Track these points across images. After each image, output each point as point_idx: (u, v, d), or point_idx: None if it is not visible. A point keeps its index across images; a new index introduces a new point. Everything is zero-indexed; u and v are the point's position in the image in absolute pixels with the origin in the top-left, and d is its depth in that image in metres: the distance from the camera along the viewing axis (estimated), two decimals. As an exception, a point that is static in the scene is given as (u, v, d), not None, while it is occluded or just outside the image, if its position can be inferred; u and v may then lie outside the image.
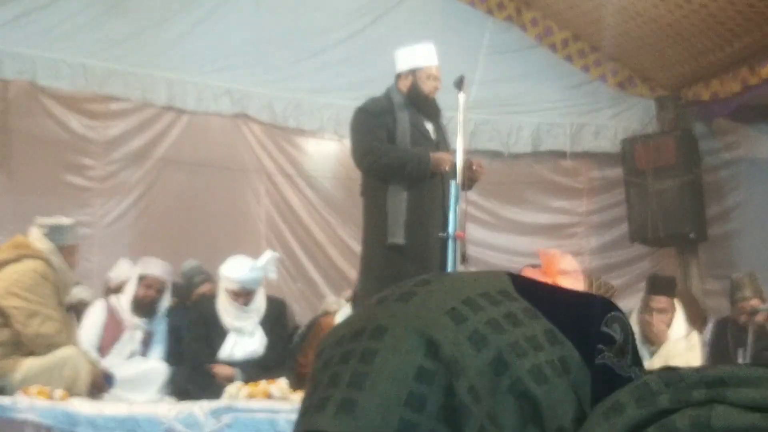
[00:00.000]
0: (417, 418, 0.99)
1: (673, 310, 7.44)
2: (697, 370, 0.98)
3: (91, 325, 7.33)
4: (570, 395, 1.02)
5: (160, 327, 7.55)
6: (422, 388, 0.99)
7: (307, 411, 1.04)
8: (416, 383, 0.99)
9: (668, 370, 1.00)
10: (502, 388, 1.00)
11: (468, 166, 6.18)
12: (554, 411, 1.00)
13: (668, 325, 7.39)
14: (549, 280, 6.80)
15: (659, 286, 7.52)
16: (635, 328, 7.41)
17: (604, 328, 1.07)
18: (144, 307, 7.42)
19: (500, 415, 0.99)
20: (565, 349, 1.03)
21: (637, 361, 1.10)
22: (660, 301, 7.38)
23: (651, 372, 1.05)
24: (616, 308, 1.09)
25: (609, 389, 1.01)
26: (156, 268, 7.56)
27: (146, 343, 7.44)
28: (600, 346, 1.06)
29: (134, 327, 7.40)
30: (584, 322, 1.07)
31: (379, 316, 1.05)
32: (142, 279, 7.47)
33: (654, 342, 7.32)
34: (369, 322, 1.05)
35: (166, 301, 7.62)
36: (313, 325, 7.95)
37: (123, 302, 7.45)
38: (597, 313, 1.08)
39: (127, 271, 7.82)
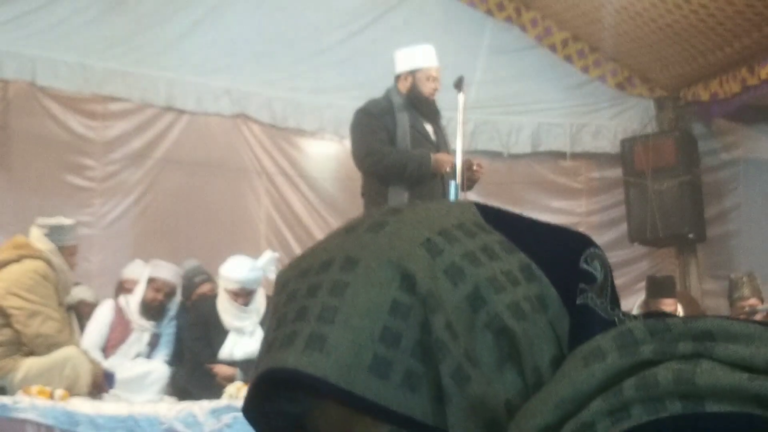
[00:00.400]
0: (391, 355, 0.95)
1: (676, 311, 7.46)
2: (684, 320, 0.93)
3: (97, 325, 7.33)
4: (549, 333, 0.97)
5: (168, 330, 7.55)
6: (397, 323, 0.95)
7: (271, 347, 0.99)
8: (391, 317, 0.95)
9: (654, 318, 0.95)
10: (479, 325, 0.95)
11: (468, 166, 6.18)
12: (532, 348, 0.96)
13: None
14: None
15: (664, 288, 7.52)
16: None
17: (584, 265, 1.02)
18: (152, 309, 7.40)
19: (478, 352, 0.95)
20: (543, 285, 0.98)
21: (616, 301, 1.05)
22: (667, 303, 7.39)
23: (636, 317, 1.01)
24: (594, 244, 1.04)
25: (589, 331, 0.96)
26: (165, 271, 7.55)
27: (152, 345, 7.44)
28: (582, 285, 1.00)
29: (141, 329, 7.40)
30: (562, 257, 1.02)
31: (348, 246, 1.00)
32: (151, 282, 7.46)
33: None
34: (338, 253, 1.00)
35: (174, 305, 7.61)
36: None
37: (131, 304, 7.44)
38: (575, 248, 1.03)
39: (139, 273, 7.82)
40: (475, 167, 6.28)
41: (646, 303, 7.58)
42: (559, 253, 1.02)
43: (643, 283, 9.44)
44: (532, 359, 0.96)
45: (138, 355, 7.32)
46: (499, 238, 1.01)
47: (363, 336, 0.95)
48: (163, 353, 7.46)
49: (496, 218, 1.05)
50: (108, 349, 7.23)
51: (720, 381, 0.86)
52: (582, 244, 1.04)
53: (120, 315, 7.41)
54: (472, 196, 9.12)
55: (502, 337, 0.96)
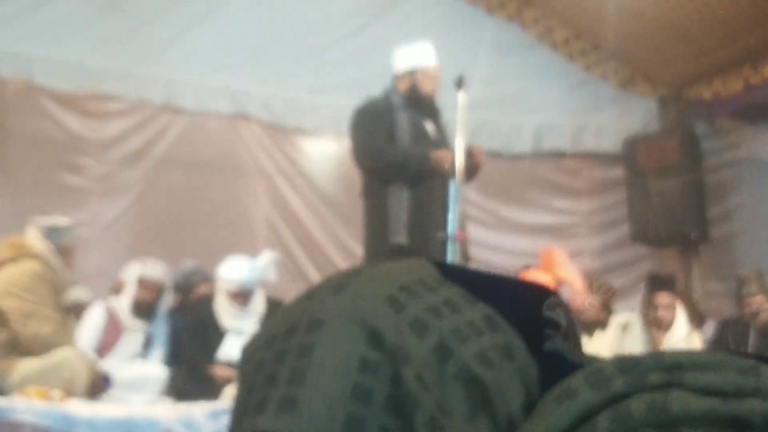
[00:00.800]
0: (364, 412, 0.94)
1: (675, 306, 7.41)
2: (653, 355, 0.95)
3: (89, 328, 7.28)
4: (517, 381, 0.98)
5: (161, 329, 7.50)
6: (367, 380, 0.95)
7: (243, 415, 0.99)
8: (360, 375, 0.95)
9: (622, 357, 0.97)
10: (448, 376, 0.96)
11: (468, 153, 6.11)
12: (503, 396, 0.96)
13: (672, 320, 7.38)
14: (549, 275, 6.80)
15: (662, 283, 7.49)
16: (641, 329, 7.40)
17: (547, 313, 1.03)
18: (143, 309, 7.36)
19: (449, 402, 0.95)
20: (507, 335, 1.00)
21: (580, 346, 1.06)
22: (663, 297, 7.35)
23: (604, 359, 1.02)
24: (553, 293, 1.05)
25: (558, 376, 0.98)
26: (154, 270, 7.50)
27: (146, 346, 7.39)
28: (547, 331, 1.02)
29: (134, 330, 7.35)
30: (524, 307, 1.03)
31: (312, 309, 1.01)
32: (140, 281, 7.41)
33: (660, 336, 7.29)
34: (302, 317, 1.00)
35: (165, 304, 7.57)
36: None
37: (122, 304, 7.40)
38: (536, 298, 1.04)
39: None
40: (474, 152, 6.20)
41: (644, 300, 7.54)
42: (521, 303, 1.04)
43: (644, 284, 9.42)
44: (504, 407, 0.97)
45: (133, 356, 7.27)
46: (459, 291, 1.03)
47: (334, 395, 0.94)
48: (157, 353, 7.41)
49: (454, 274, 1.07)
50: (102, 351, 7.17)
51: (693, 407, 0.87)
52: (543, 295, 1.06)
53: (112, 317, 7.36)
54: (473, 193, 9.09)
55: (472, 387, 0.96)
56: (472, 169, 6.23)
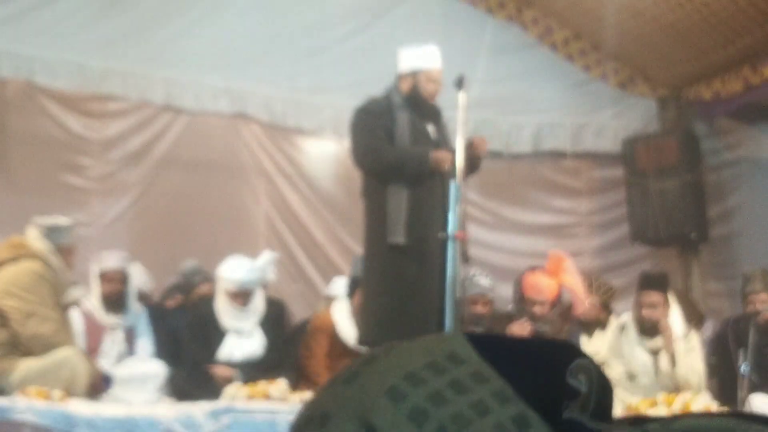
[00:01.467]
0: None
1: (664, 305, 7.38)
2: (663, 422, 0.95)
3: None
4: None
5: (141, 320, 7.47)
6: None
7: None
8: None
9: (635, 423, 0.97)
10: None
11: (469, 144, 6.12)
12: None
13: (660, 318, 7.36)
14: (553, 279, 6.81)
15: (649, 281, 7.48)
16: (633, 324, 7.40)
17: (570, 380, 1.02)
18: (112, 302, 7.32)
19: None
20: (520, 407, 0.98)
21: (604, 408, 1.05)
22: (650, 295, 7.32)
23: (620, 423, 1.03)
24: (580, 353, 1.04)
25: None
26: (111, 260, 7.44)
27: (130, 340, 7.36)
28: (566, 402, 1.01)
29: (112, 326, 7.32)
30: (548, 373, 1.02)
31: (325, 401, 1.02)
32: (101, 276, 7.38)
33: (652, 334, 7.28)
34: (316, 409, 1.02)
35: (134, 293, 7.50)
36: (307, 320, 7.95)
37: (94, 303, 7.37)
38: (561, 362, 1.03)
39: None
40: (475, 142, 6.21)
41: (635, 297, 7.52)
42: (546, 369, 1.03)
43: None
44: None
45: (120, 354, 7.26)
46: (472, 368, 1.01)
47: None
48: (144, 346, 7.39)
49: (486, 344, 1.05)
50: (89, 354, 7.13)
51: None
52: (569, 357, 1.04)
53: (89, 319, 7.33)
54: (473, 193, 9.08)
55: None
56: (474, 160, 6.25)
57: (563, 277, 6.82)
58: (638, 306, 7.34)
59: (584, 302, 7.07)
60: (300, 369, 7.48)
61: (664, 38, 9.62)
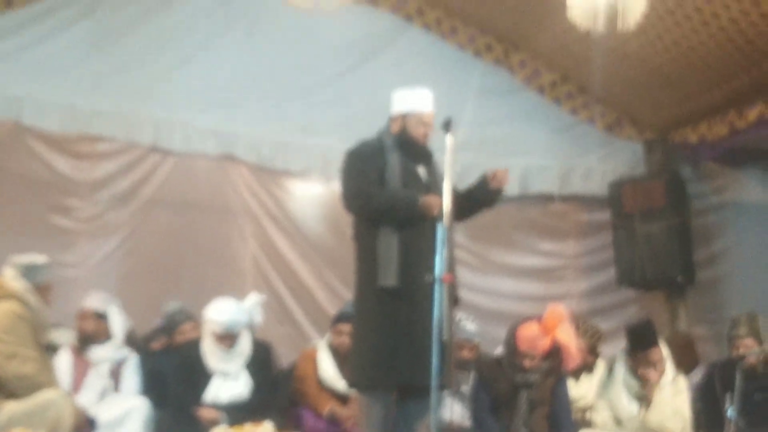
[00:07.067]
0: None
1: (662, 359, 7.42)
2: None
3: (60, 370, 7.23)
4: None
5: (129, 362, 7.46)
6: None
7: None
8: None
9: None
10: None
11: (486, 177, 6.22)
12: None
13: (663, 372, 7.38)
14: (548, 335, 6.79)
15: (646, 338, 7.46)
16: (626, 384, 7.40)
17: None
18: (87, 340, 7.37)
19: None
20: None
21: None
22: (653, 353, 7.35)
23: None
24: None
25: None
26: (89, 300, 7.53)
27: (115, 377, 7.35)
28: None
29: (95, 361, 7.33)
30: None
31: None
32: (78, 314, 7.47)
33: (651, 393, 7.30)
34: None
35: (119, 329, 7.51)
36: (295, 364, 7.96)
37: (77, 340, 7.44)
38: None
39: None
40: (497, 174, 6.30)
41: (632, 356, 7.48)
42: None
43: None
44: None
45: (104, 390, 7.24)
46: None
47: None
48: (130, 384, 7.37)
49: None
50: (75, 389, 7.14)
51: None
52: None
53: (78, 354, 7.37)
54: (461, 236, 9.07)
55: None
56: (492, 194, 6.31)
57: (558, 333, 6.79)
58: (645, 364, 7.34)
59: (576, 360, 7.05)
60: (294, 398, 7.53)
61: (650, 82, 9.66)
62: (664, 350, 7.49)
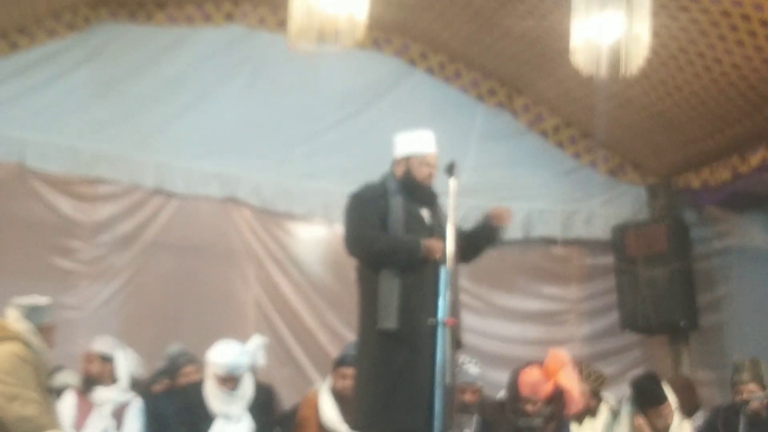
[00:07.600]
0: None
1: (672, 411, 7.40)
2: None
3: (64, 412, 7.22)
4: None
5: (133, 405, 7.44)
6: None
7: None
8: None
9: None
10: None
11: (489, 216, 6.24)
12: None
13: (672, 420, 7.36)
14: (550, 379, 6.77)
15: (659, 392, 7.42)
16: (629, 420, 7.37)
17: None
18: (92, 381, 7.38)
19: None
20: None
21: None
22: (664, 408, 7.33)
23: None
24: None
25: None
26: (96, 343, 7.58)
27: (118, 418, 7.33)
28: None
29: (98, 402, 7.32)
30: None
31: None
32: (84, 356, 7.50)
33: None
34: None
35: (122, 372, 7.51)
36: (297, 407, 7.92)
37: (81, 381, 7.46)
38: None
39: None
40: (496, 213, 6.32)
41: (642, 411, 7.43)
42: None
43: (634, 371, 9.38)
44: None
45: (106, 431, 7.23)
46: None
47: None
48: (134, 428, 7.35)
49: None
50: (77, 430, 7.14)
51: None
52: None
53: (81, 396, 7.36)
54: (463, 279, 9.05)
55: None
56: (494, 232, 6.33)
57: (560, 378, 6.77)
58: (650, 418, 7.31)
59: (579, 404, 7.02)
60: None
61: (653, 127, 9.67)
62: (671, 398, 7.46)
